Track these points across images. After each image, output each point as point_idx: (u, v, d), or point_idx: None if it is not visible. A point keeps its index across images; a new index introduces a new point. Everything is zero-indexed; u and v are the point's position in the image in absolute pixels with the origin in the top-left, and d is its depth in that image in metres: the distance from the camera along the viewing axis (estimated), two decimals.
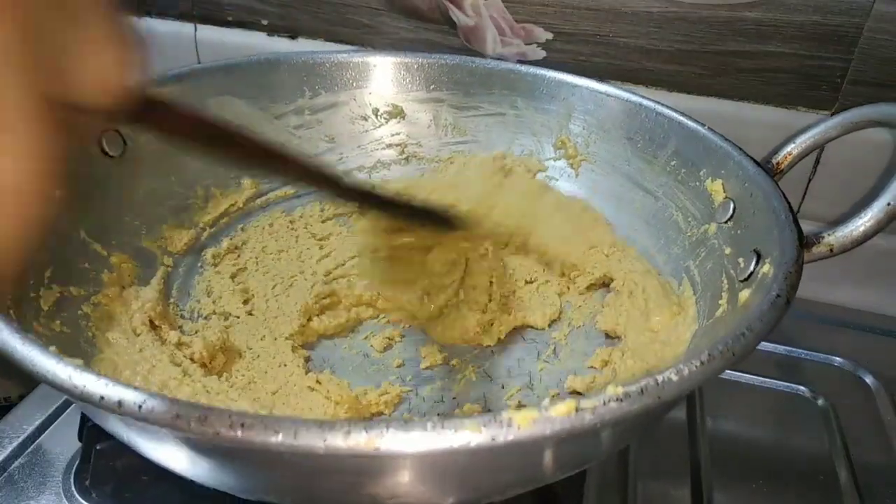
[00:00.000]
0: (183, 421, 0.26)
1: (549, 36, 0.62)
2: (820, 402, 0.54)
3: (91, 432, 0.45)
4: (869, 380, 0.56)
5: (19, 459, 0.46)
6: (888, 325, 0.63)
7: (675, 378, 0.29)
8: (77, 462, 0.46)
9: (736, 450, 0.50)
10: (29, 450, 0.47)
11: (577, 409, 0.26)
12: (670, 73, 0.60)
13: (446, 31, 0.64)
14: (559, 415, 0.26)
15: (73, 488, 0.44)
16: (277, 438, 0.25)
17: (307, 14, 0.67)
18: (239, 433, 0.25)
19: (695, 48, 0.59)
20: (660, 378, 0.28)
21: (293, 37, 0.68)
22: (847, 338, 0.61)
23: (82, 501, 0.44)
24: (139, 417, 0.27)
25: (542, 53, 0.63)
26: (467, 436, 0.25)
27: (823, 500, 0.47)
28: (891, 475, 0.49)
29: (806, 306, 0.64)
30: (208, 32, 0.70)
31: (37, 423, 0.49)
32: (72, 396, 0.28)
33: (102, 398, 0.27)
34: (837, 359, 0.58)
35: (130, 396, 0.27)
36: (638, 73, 0.61)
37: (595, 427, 0.27)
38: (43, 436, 0.48)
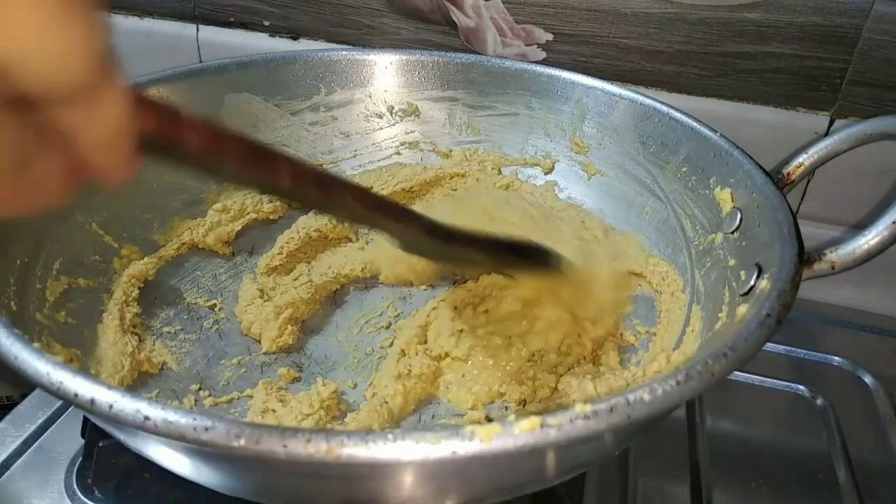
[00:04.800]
0: (150, 423, 0.26)
1: (550, 37, 0.62)
2: (819, 401, 0.55)
3: (93, 430, 0.45)
4: (868, 379, 0.57)
5: (22, 458, 0.47)
6: (888, 325, 0.63)
7: (647, 398, 0.28)
8: (80, 460, 0.46)
9: (735, 449, 0.51)
10: (31, 448, 0.47)
11: (541, 426, 0.26)
12: (670, 74, 0.61)
13: (447, 32, 0.64)
14: (523, 431, 0.26)
15: (75, 486, 0.45)
16: (239, 443, 0.25)
17: (308, 15, 0.67)
18: (203, 436, 0.26)
19: (694, 49, 0.59)
20: (631, 397, 0.27)
21: (294, 37, 0.68)
22: (846, 337, 0.61)
23: (84, 499, 0.44)
24: (109, 417, 0.27)
25: (542, 54, 0.63)
26: (427, 448, 0.25)
27: (822, 498, 0.47)
28: (889, 474, 0.49)
29: (806, 306, 0.64)
30: (210, 33, 0.70)
31: (39, 421, 0.49)
32: (51, 393, 0.29)
33: (77, 395, 0.28)
34: (837, 358, 0.58)
35: (103, 396, 0.27)
36: (638, 73, 0.61)
37: (560, 444, 0.26)
38: (45, 434, 0.48)
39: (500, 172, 0.62)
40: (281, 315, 0.50)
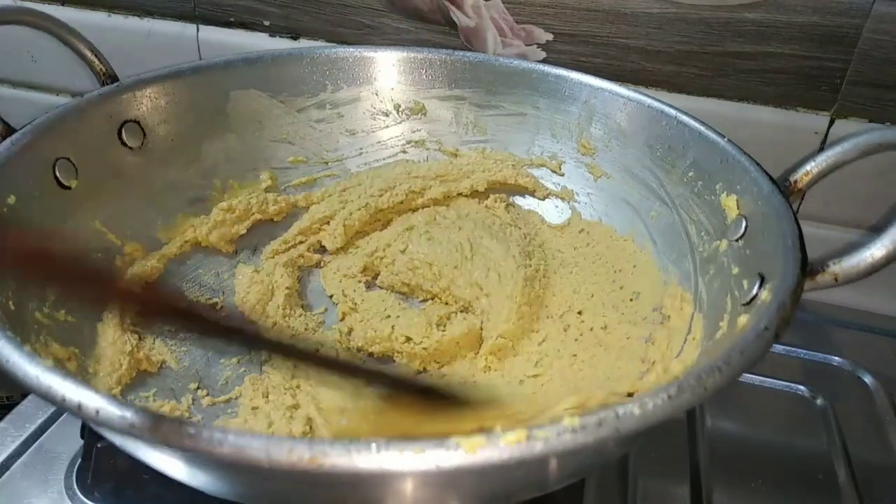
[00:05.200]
0: (136, 429, 0.26)
1: (550, 37, 0.62)
2: (819, 401, 0.55)
3: (92, 431, 0.45)
4: (868, 379, 0.57)
5: (22, 458, 0.47)
6: (887, 325, 0.63)
7: (637, 412, 0.27)
8: (79, 460, 0.46)
9: (735, 449, 0.51)
10: (31, 448, 0.47)
11: (527, 438, 0.26)
12: (670, 74, 0.61)
13: (447, 32, 0.64)
14: (508, 443, 0.25)
15: (74, 486, 0.45)
16: (222, 450, 0.25)
17: (308, 15, 0.67)
18: (187, 442, 0.26)
19: (694, 49, 0.59)
20: (621, 411, 0.27)
21: (295, 37, 0.68)
22: (846, 338, 0.61)
23: (84, 500, 0.44)
24: (96, 422, 0.27)
25: (542, 54, 0.63)
26: (411, 459, 0.25)
27: (822, 498, 0.47)
28: (889, 474, 0.49)
29: (806, 306, 0.64)
30: (210, 33, 0.70)
31: (39, 421, 0.49)
32: (40, 396, 0.29)
33: (64, 400, 0.28)
34: (836, 359, 0.58)
35: (90, 401, 0.28)
36: (638, 73, 0.61)
37: (547, 457, 0.26)
38: (45, 434, 0.48)
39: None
40: (281, 292, 0.51)
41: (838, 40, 0.55)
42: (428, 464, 0.25)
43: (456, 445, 0.25)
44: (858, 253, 0.38)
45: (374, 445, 0.25)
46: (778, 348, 0.59)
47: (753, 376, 0.56)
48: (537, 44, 0.63)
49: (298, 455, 0.25)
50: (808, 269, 0.37)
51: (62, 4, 0.72)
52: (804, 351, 0.59)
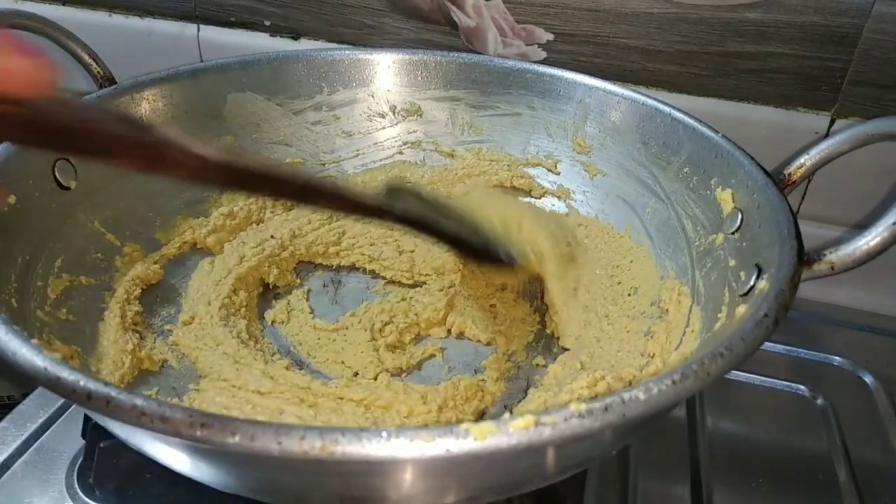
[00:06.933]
0: (147, 419, 0.26)
1: (550, 37, 0.62)
2: (819, 401, 0.55)
3: (94, 430, 0.45)
4: (868, 379, 0.57)
5: (23, 457, 0.47)
6: (888, 325, 0.63)
7: (642, 397, 0.28)
8: (80, 460, 0.46)
9: (736, 449, 0.51)
10: (32, 447, 0.47)
11: (536, 424, 0.26)
12: (670, 74, 0.61)
13: (447, 32, 0.64)
14: (517, 429, 0.26)
15: (76, 486, 0.45)
16: (234, 439, 0.25)
17: (309, 15, 0.67)
18: (198, 433, 0.26)
19: (695, 49, 0.59)
20: (626, 396, 0.27)
21: (295, 37, 0.68)
22: (846, 337, 0.61)
23: (85, 499, 0.44)
24: (106, 413, 0.27)
25: (542, 54, 0.63)
26: (421, 446, 0.25)
27: (823, 498, 0.47)
28: (889, 474, 0.49)
29: (806, 306, 0.64)
30: (211, 33, 0.70)
31: (40, 420, 0.49)
32: (49, 388, 0.29)
33: (74, 391, 0.28)
34: (837, 358, 0.58)
35: (100, 391, 0.28)
36: (638, 73, 0.61)
37: (554, 443, 0.26)
38: (46, 434, 0.48)
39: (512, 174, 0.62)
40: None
41: (839, 40, 0.55)
42: (438, 450, 0.25)
43: (466, 432, 0.25)
44: (854, 241, 0.39)
45: (384, 433, 0.25)
46: (778, 348, 0.59)
47: (753, 376, 0.56)
48: (538, 44, 0.63)
49: (310, 443, 0.25)
50: (804, 258, 0.38)
51: (63, 4, 0.72)
52: (804, 351, 0.59)
